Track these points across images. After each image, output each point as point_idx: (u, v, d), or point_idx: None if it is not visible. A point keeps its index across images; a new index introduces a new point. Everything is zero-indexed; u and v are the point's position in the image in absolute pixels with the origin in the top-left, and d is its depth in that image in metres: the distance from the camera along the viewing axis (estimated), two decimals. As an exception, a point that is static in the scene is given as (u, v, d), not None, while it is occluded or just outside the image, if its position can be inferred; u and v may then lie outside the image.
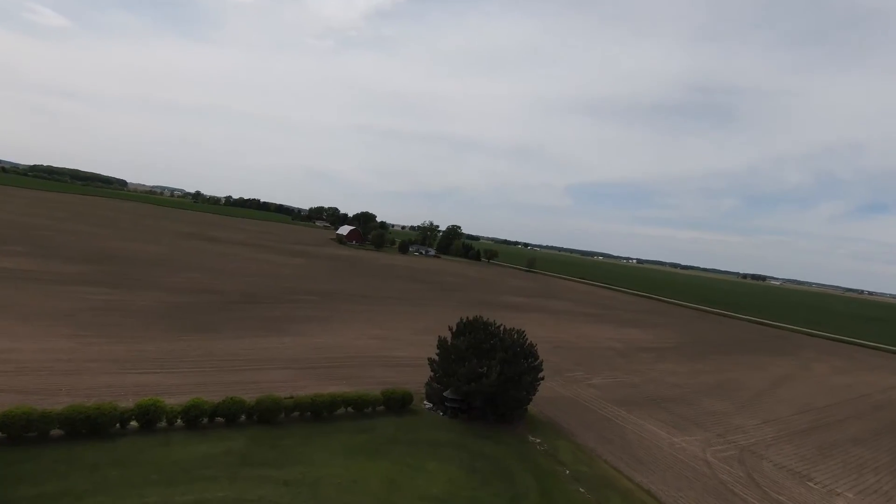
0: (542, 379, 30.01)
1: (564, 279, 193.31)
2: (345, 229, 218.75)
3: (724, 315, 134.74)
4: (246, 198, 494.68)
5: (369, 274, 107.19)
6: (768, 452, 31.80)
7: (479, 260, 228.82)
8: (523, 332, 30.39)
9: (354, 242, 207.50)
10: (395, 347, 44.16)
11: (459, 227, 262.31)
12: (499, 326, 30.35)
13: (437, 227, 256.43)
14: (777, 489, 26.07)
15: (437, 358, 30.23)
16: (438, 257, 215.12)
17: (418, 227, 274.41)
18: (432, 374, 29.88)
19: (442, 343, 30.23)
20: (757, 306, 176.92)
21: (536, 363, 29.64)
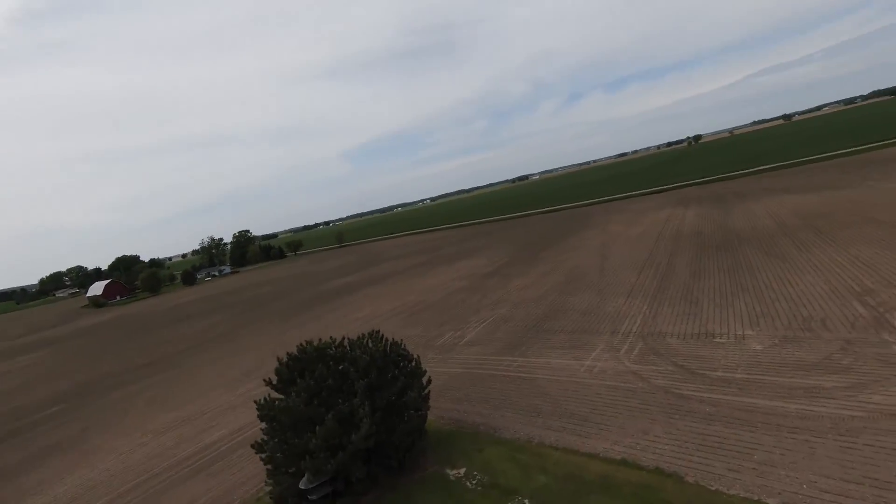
0: (430, 383, 20.98)
1: (378, 241, 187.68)
2: (98, 287, 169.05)
3: (522, 216, 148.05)
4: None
5: (147, 330, 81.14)
6: (660, 326, 29.91)
7: (285, 256, 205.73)
8: (378, 333, 20.35)
9: (119, 298, 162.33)
10: (202, 431, 29.41)
11: (249, 231, 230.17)
12: (340, 343, 19.62)
13: (222, 240, 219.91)
14: (708, 366, 23.22)
15: (265, 437, 18.24)
16: (237, 272, 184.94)
17: (200, 248, 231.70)
18: (269, 466, 17.88)
19: (264, 409, 18.21)
20: (537, 200, 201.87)
21: (412, 365, 20.30)
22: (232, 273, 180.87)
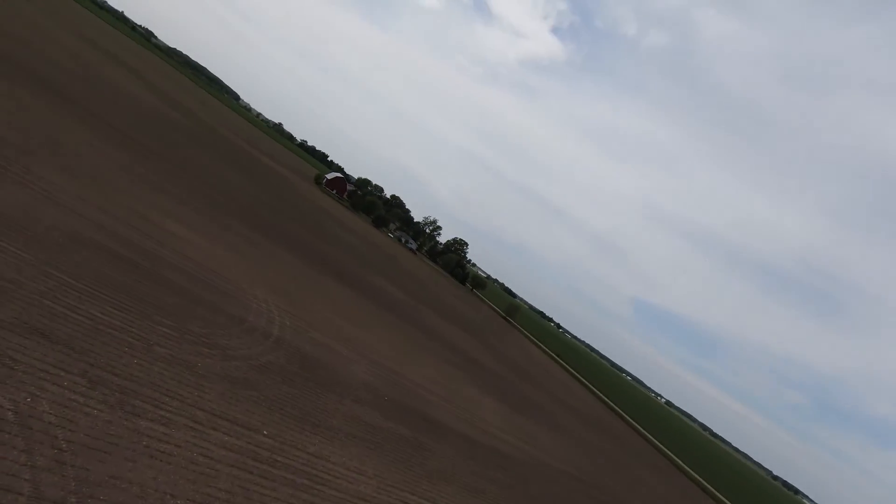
0: None
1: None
2: (332, 175, 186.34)
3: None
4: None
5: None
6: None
7: (463, 285, 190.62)
8: None
9: (335, 192, 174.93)
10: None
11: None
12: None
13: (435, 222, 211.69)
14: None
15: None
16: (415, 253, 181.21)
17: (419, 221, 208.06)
18: None
19: None
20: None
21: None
22: (412, 252, 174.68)
